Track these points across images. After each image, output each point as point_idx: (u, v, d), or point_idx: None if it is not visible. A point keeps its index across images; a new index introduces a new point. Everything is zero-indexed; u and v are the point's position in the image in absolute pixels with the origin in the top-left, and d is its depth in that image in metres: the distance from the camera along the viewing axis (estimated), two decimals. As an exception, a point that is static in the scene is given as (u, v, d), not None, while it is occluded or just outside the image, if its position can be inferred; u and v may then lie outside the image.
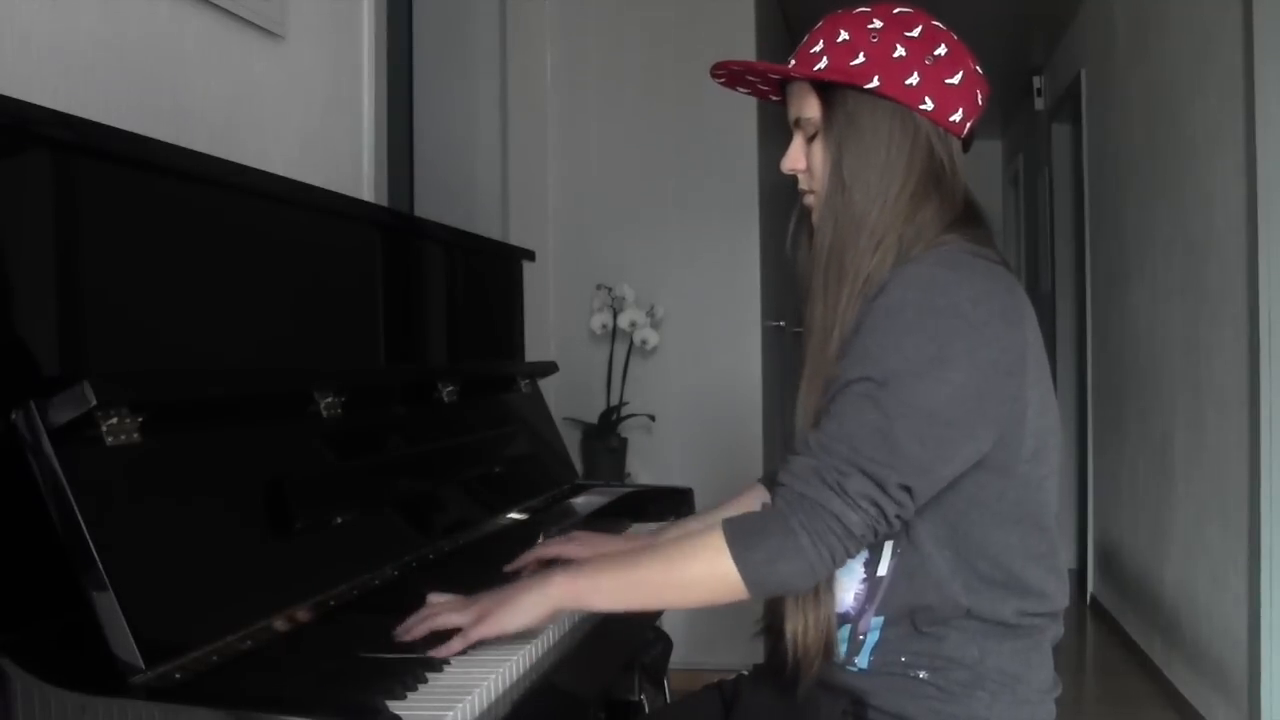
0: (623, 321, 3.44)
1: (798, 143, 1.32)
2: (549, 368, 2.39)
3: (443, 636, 1.23)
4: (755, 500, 1.52)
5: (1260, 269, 2.69)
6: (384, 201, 2.34)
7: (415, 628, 1.25)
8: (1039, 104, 5.69)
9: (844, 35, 1.26)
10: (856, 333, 1.20)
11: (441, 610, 1.25)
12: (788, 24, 4.54)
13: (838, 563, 1.16)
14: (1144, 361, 3.84)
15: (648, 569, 1.22)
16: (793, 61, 1.31)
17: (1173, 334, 3.48)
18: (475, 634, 1.21)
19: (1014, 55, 5.49)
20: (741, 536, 1.16)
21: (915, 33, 1.25)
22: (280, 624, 1.17)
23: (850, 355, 1.20)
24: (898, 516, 1.16)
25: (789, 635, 1.25)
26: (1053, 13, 4.91)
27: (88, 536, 1.00)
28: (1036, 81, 5.66)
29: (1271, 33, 2.67)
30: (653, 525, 2.08)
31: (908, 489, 1.15)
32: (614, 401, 3.47)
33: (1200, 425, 3.20)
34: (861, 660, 1.27)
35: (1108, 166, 4.39)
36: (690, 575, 1.18)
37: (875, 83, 1.24)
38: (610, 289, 3.48)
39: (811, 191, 1.32)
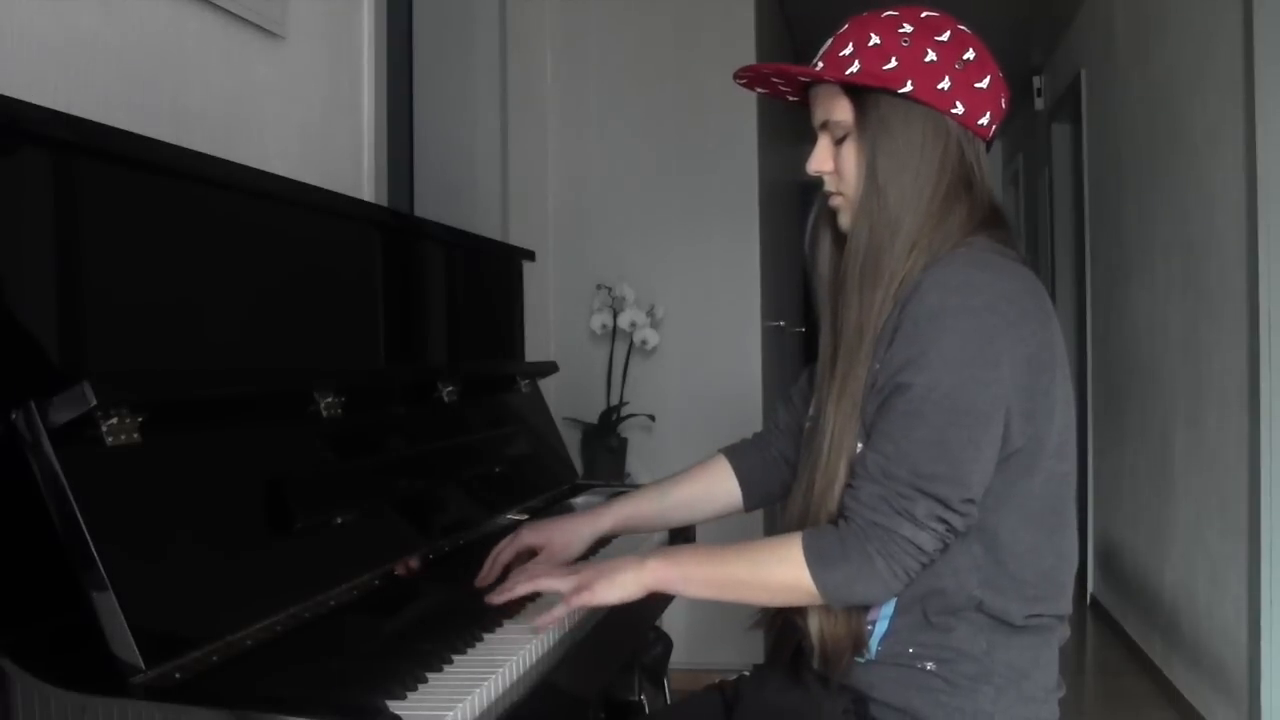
0: (623, 321, 3.44)
1: (825, 144, 1.33)
2: (549, 368, 2.39)
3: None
4: (718, 477, 1.56)
5: (1260, 269, 2.69)
6: (384, 201, 2.34)
7: (518, 586, 1.31)
8: (1039, 104, 5.69)
9: (875, 39, 1.27)
10: (893, 338, 1.22)
11: (542, 574, 1.32)
12: (788, 24, 4.54)
13: (912, 577, 1.21)
14: (1144, 361, 3.84)
15: (736, 568, 1.28)
16: (820, 64, 1.31)
17: (1173, 334, 3.48)
18: (577, 601, 1.27)
19: (1014, 55, 5.49)
20: (819, 557, 1.21)
21: (945, 37, 1.27)
22: (280, 624, 1.17)
23: (890, 363, 1.21)
24: (965, 525, 1.21)
25: (815, 630, 1.27)
26: (1053, 13, 4.91)
27: (88, 536, 0.99)
28: (1036, 81, 5.67)
29: (1271, 33, 2.67)
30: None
31: (970, 500, 1.19)
32: (614, 401, 3.47)
33: (1200, 425, 3.20)
34: (869, 650, 1.28)
35: (1108, 166, 4.39)
36: (774, 582, 1.24)
37: (909, 87, 1.25)
38: (610, 289, 3.48)
39: (840, 194, 1.33)
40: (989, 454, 1.20)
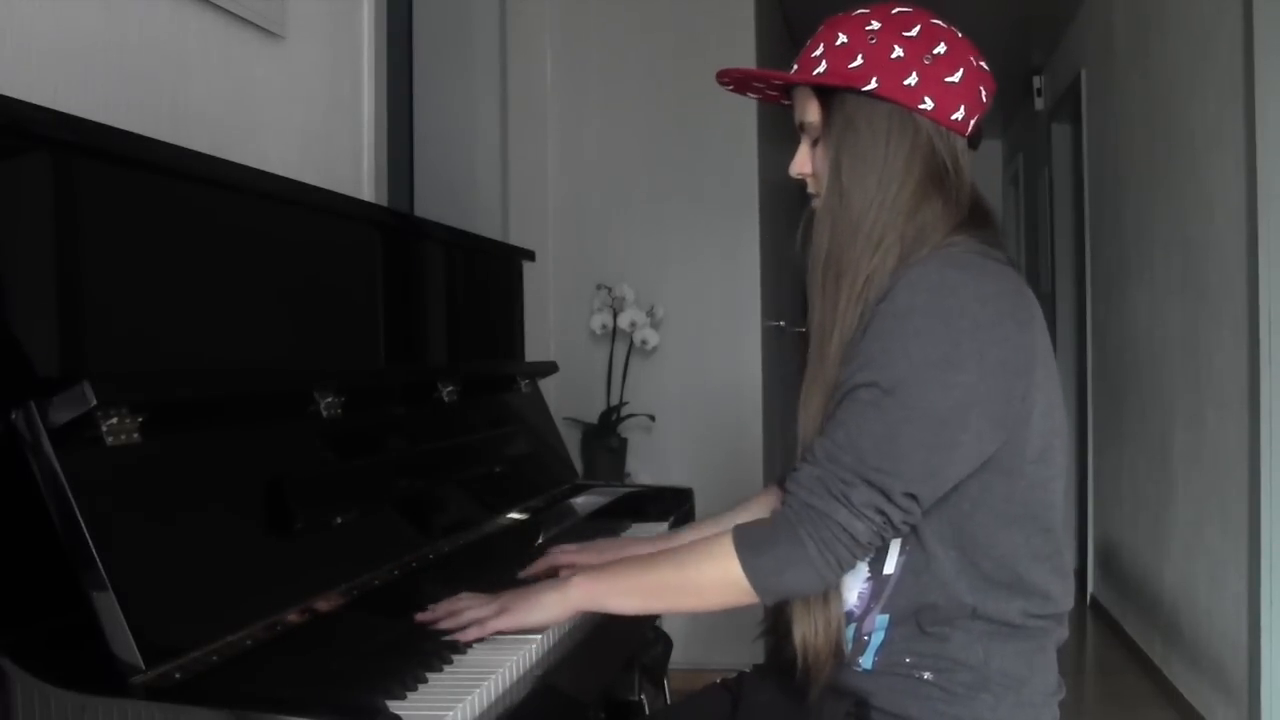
0: (623, 321, 3.44)
1: (804, 147, 1.33)
2: (549, 368, 2.39)
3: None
4: (770, 502, 1.53)
5: (1260, 269, 2.69)
6: (384, 201, 2.34)
7: (441, 622, 1.31)
8: (1039, 104, 5.69)
9: (842, 38, 1.26)
10: (863, 337, 1.20)
11: (466, 604, 1.32)
12: (788, 24, 4.53)
13: (845, 569, 1.19)
14: (1144, 361, 3.84)
15: (662, 573, 1.26)
16: (795, 66, 1.31)
17: (1173, 334, 3.48)
18: (493, 625, 1.27)
19: (1014, 55, 5.49)
20: (750, 544, 1.19)
21: (913, 32, 1.25)
22: (280, 624, 1.17)
23: (857, 359, 1.20)
24: (904, 522, 1.18)
25: (798, 640, 1.26)
26: (1053, 13, 4.91)
27: (88, 536, 1.00)
28: (1036, 81, 5.66)
29: (1271, 33, 2.67)
30: (652, 525, 2.08)
31: (913, 496, 1.17)
32: (614, 401, 3.47)
33: (1200, 425, 3.20)
34: (866, 661, 1.27)
35: (1108, 166, 4.39)
36: (703, 580, 1.23)
37: (873, 84, 1.24)
38: (610, 289, 3.48)
39: (818, 195, 1.32)
40: (942, 457, 1.17)
